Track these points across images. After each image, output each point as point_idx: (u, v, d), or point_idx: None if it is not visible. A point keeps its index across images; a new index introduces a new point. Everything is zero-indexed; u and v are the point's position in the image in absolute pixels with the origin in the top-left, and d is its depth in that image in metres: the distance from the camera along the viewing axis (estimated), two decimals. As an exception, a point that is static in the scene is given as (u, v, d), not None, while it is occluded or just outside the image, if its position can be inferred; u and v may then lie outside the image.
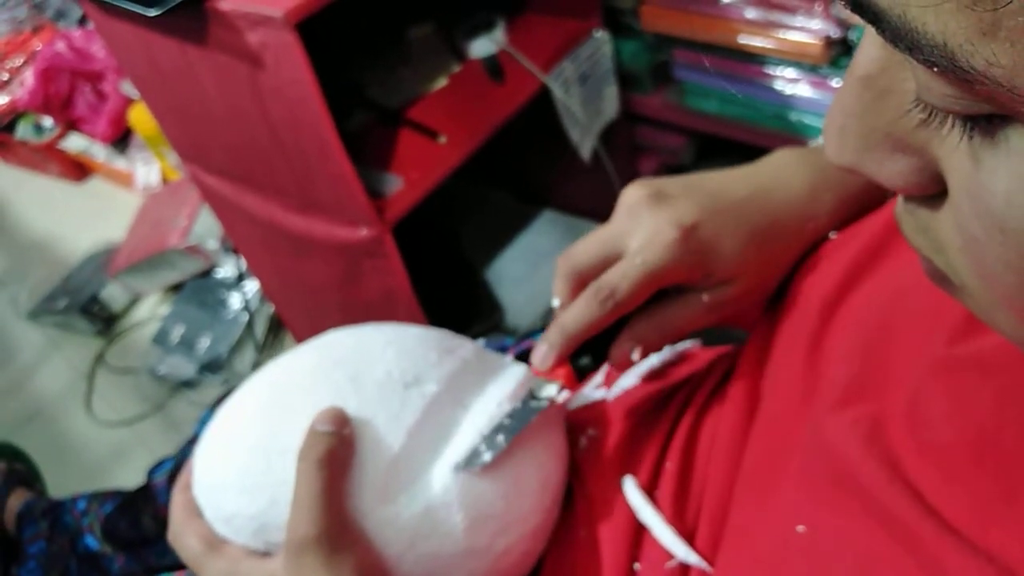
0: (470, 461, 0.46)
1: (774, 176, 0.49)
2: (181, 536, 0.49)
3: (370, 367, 0.48)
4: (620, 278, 0.46)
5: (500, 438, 0.47)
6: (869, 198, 0.50)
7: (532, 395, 0.50)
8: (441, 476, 0.46)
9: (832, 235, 0.50)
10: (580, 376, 0.50)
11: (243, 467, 0.47)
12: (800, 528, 0.36)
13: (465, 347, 0.52)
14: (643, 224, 0.47)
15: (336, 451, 0.43)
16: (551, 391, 0.49)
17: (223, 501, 0.47)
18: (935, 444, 0.33)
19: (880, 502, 0.33)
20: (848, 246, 0.46)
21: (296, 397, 0.47)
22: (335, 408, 0.45)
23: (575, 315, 0.47)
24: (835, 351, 0.42)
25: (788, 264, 0.49)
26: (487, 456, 0.46)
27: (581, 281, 0.49)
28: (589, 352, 0.51)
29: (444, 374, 0.49)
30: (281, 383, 0.49)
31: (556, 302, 0.50)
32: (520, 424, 0.47)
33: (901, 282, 0.41)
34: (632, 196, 0.48)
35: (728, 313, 0.49)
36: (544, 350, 0.49)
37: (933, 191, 0.23)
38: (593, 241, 0.49)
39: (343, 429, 0.44)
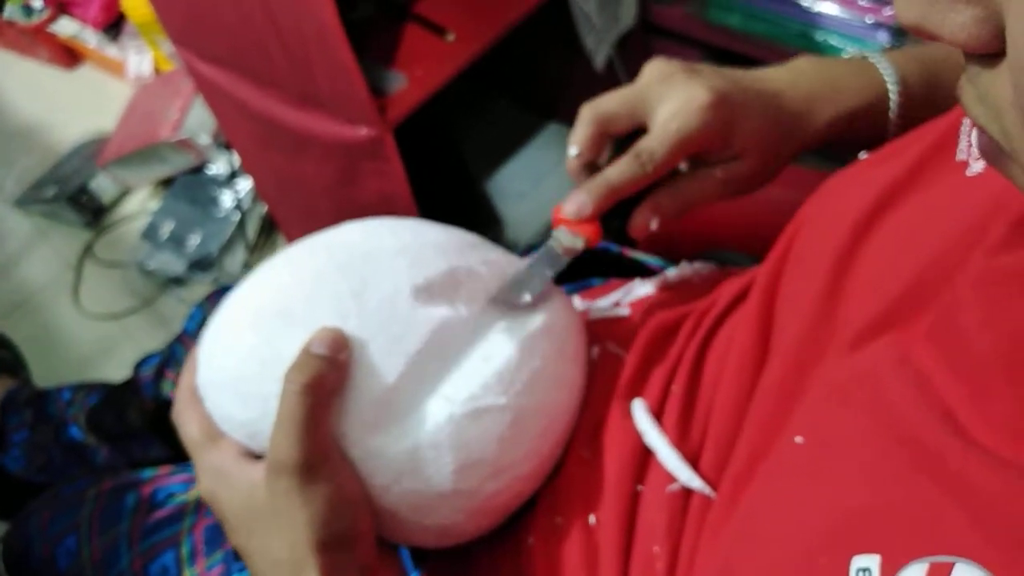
0: (507, 300, 0.47)
1: (788, 80, 0.53)
2: (182, 420, 0.48)
3: (377, 280, 0.45)
4: (658, 143, 0.49)
5: (536, 281, 0.48)
6: (862, 121, 0.53)
7: (558, 242, 0.50)
8: (435, 413, 0.44)
9: (862, 155, 0.49)
10: (611, 237, 0.51)
11: (237, 372, 0.44)
12: (798, 439, 0.35)
13: (489, 261, 0.49)
14: (678, 90, 0.49)
15: (326, 377, 0.42)
16: (577, 243, 0.49)
17: (218, 401, 0.46)
18: (967, 358, 0.32)
19: (907, 421, 0.32)
20: (885, 166, 0.44)
21: (297, 305, 0.44)
22: (334, 330, 0.42)
23: (619, 170, 0.49)
24: (867, 274, 0.40)
25: (789, 157, 0.53)
26: (527, 297, 0.48)
27: (603, 131, 0.50)
28: (619, 217, 0.52)
29: (458, 294, 0.46)
30: (285, 286, 0.46)
31: (573, 150, 0.51)
32: (555, 266, 0.49)
33: (941, 203, 0.39)
34: (664, 67, 0.51)
35: (736, 192, 0.52)
36: (583, 198, 0.49)
37: (994, 48, 0.23)
38: (621, 94, 0.51)
39: (339, 354, 0.42)
